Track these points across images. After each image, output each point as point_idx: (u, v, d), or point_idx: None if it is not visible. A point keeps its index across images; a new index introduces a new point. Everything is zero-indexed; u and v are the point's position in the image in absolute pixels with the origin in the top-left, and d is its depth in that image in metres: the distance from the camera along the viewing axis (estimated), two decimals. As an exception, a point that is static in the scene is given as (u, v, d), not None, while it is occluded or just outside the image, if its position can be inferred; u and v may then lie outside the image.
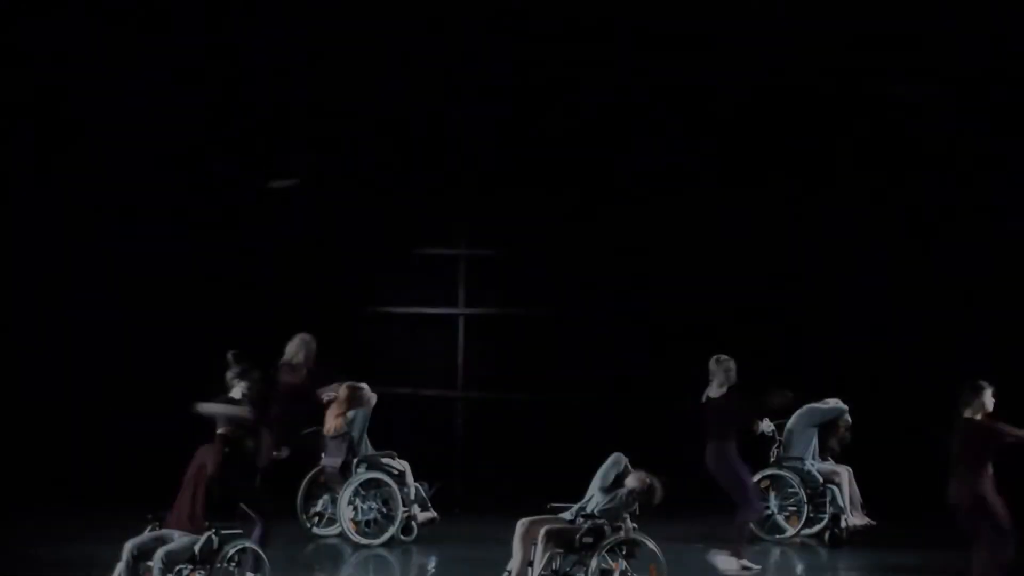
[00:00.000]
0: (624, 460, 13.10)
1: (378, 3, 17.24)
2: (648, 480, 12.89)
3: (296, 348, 16.45)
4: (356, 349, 19.08)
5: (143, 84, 18.11)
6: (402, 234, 19.62)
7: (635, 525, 12.84)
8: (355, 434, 15.87)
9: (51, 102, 18.43)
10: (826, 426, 16.41)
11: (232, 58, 17.92)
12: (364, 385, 16.04)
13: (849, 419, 16.40)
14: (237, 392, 13.10)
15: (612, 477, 13.01)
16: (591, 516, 12.79)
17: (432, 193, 19.38)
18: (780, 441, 16.33)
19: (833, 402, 16.44)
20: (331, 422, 15.91)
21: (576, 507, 13.01)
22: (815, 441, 16.28)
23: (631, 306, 19.76)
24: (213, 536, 12.03)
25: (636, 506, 12.84)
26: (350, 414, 15.89)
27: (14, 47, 17.67)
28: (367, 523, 15.82)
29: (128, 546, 12.02)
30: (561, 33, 17.67)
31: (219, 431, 12.60)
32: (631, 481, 12.91)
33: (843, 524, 15.95)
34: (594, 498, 12.99)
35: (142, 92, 18.20)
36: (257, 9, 17.30)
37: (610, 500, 12.90)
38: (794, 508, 16.12)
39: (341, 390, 15.91)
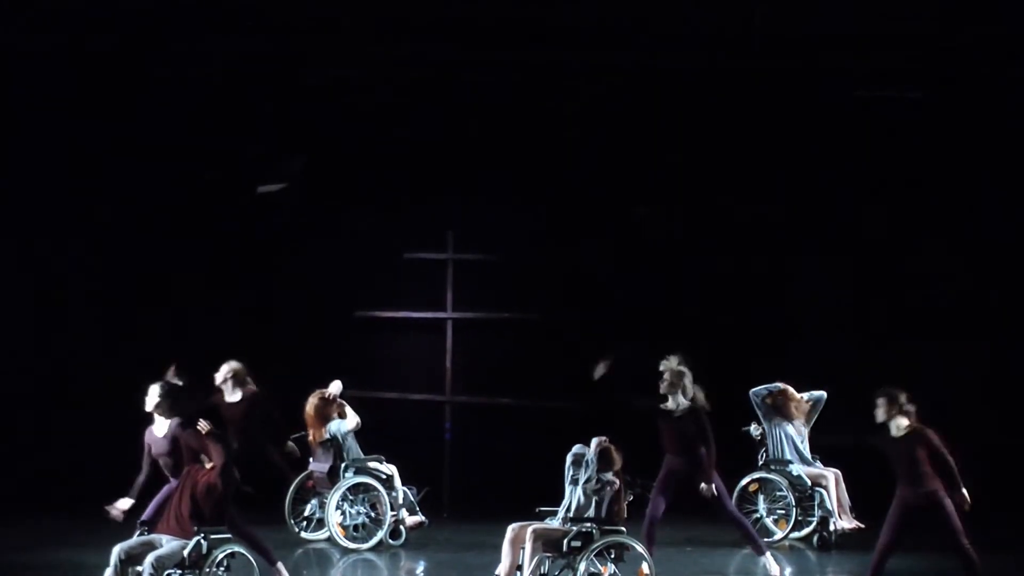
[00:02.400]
0: (582, 448, 13.19)
1: (373, 10, 17.25)
2: (605, 441, 12.97)
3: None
4: (344, 353, 19.07)
5: (134, 85, 18.12)
6: (390, 238, 19.61)
7: (627, 478, 12.91)
8: (342, 439, 15.84)
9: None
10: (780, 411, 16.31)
11: (219, 62, 17.90)
12: (333, 391, 15.95)
13: (795, 394, 16.21)
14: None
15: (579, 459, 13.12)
16: (579, 519, 12.81)
17: (420, 197, 19.37)
18: (766, 445, 16.34)
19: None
20: (312, 434, 15.90)
21: (562, 509, 13.03)
22: (787, 437, 16.22)
23: (619, 310, 19.77)
24: (202, 541, 12.03)
25: (610, 469, 12.87)
26: (332, 426, 15.85)
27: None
28: (355, 527, 15.81)
29: (116, 550, 12.03)
30: (553, 40, 17.68)
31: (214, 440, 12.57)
32: (592, 446, 13.01)
33: (832, 527, 15.95)
34: (576, 491, 13.01)
35: (134, 93, 18.21)
36: (246, 12, 17.29)
37: (586, 470, 12.94)
38: (782, 511, 16.13)
39: (308, 406, 15.83)
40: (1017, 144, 18.82)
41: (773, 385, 16.19)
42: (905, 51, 17.89)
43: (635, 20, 17.44)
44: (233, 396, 15.09)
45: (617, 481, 12.90)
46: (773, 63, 18.01)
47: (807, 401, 16.24)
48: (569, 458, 13.20)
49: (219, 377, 15.17)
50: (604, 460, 12.95)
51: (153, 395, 12.99)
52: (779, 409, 16.18)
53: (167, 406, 12.91)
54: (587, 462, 13.00)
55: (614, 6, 17.35)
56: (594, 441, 13.07)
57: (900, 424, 12.56)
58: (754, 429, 16.25)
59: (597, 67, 18.21)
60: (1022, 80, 18.17)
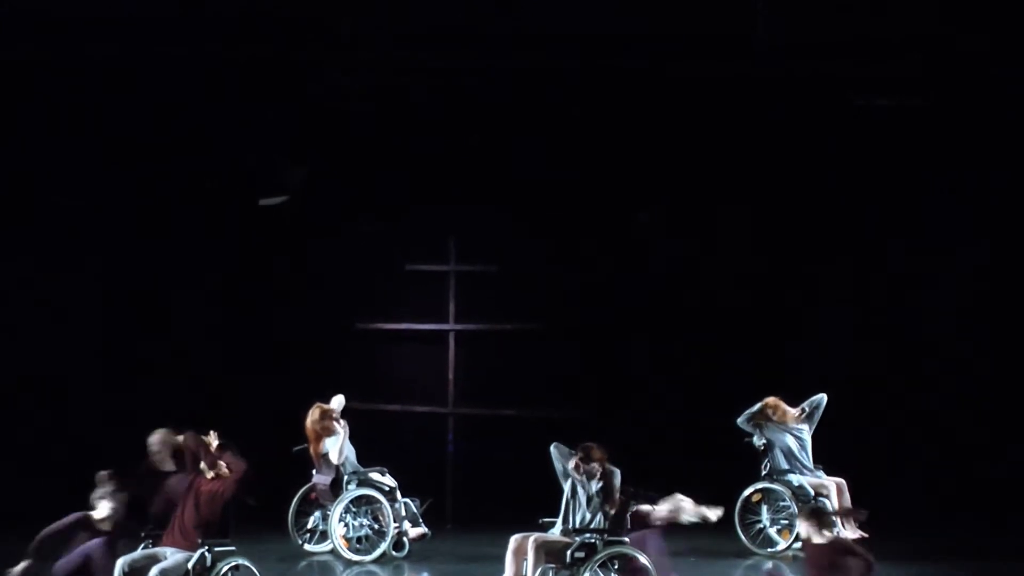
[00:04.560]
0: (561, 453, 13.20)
1: (373, 19, 17.27)
2: (577, 461, 12.99)
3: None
4: (346, 365, 19.08)
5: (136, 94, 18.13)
6: (392, 249, 19.61)
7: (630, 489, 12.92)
8: (334, 458, 15.79)
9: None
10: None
11: (220, 72, 17.91)
12: (335, 406, 15.95)
13: (778, 403, 16.20)
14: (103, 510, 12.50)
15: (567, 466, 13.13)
16: (583, 531, 12.82)
17: (422, 208, 19.38)
18: (769, 455, 16.33)
19: None
20: (313, 447, 15.90)
21: (561, 512, 13.03)
22: (785, 447, 16.20)
23: (621, 322, 19.79)
24: (206, 553, 12.03)
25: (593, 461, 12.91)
26: (327, 442, 15.84)
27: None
28: (358, 539, 15.80)
29: (120, 563, 12.02)
30: (556, 47, 17.70)
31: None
32: (574, 470, 13.03)
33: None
34: (580, 509, 13.00)
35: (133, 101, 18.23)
36: (246, 21, 17.31)
37: (584, 492, 12.95)
38: (786, 521, 16.11)
39: (308, 420, 15.82)
40: (1019, 150, 18.83)
41: (753, 408, 16.18)
42: (906, 58, 17.90)
43: (636, 26, 17.45)
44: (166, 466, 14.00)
45: (598, 466, 12.90)
46: (775, 69, 18.01)
47: (803, 409, 16.22)
48: (552, 449, 13.24)
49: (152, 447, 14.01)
50: (587, 456, 12.99)
51: (103, 507, 12.47)
52: (769, 420, 16.19)
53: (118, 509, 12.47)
54: (577, 487, 13.03)
55: (615, 12, 17.35)
56: (571, 463, 13.10)
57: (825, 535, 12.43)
58: (757, 439, 16.25)
59: (599, 74, 18.21)
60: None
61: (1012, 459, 18.79)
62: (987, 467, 18.81)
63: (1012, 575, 14.96)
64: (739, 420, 16.15)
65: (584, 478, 12.97)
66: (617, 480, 13.00)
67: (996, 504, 18.31)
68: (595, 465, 12.95)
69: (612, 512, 12.89)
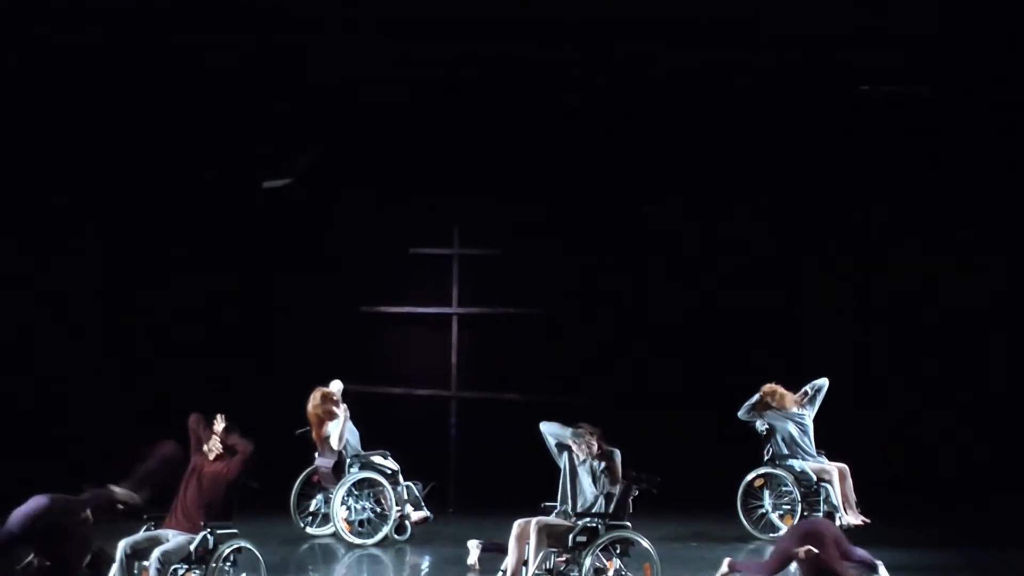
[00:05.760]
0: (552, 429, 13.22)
1: (378, 7, 17.26)
2: (581, 438, 13.02)
3: None
4: (350, 348, 19.08)
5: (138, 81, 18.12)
6: (396, 233, 19.61)
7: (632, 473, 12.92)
8: (335, 444, 15.81)
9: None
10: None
11: (226, 59, 17.90)
12: (334, 390, 15.96)
13: (776, 388, 16.23)
14: None
15: (559, 440, 13.19)
16: (585, 515, 12.82)
17: (426, 193, 19.37)
18: (772, 440, 16.33)
19: None
20: (315, 431, 15.91)
21: (559, 499, 13.04)
22: (786, 432, 16.20)
23: (624, 306, 19.79)
24: (208, 535, 12.04)
25: (598, 458, 12.93)
26: (330, 426, 15.84)
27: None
28: (360, 523, 15.82)
29: (122, 545, 12.02)
30: (559, 35, 17.68)
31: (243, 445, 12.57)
32: (576, 447, 13.06)
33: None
34: (581, 493, 13.01)
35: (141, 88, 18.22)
36: (253, 9, 17.30)
37: (587, 471, 12.95)
38: (788, 507, 16.11)
39: (309, 404, 15.83)
40: (1020, 144, 18.81)
41: (751, 399, 16.16)
42: (911, 46, 17.87)
43: (638, 15, 17.43)
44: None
45: (594, 441, 12.93)
46: (777, 57, 17.99)
47: (806, 392, 16.22)
48: (542, 426, 13.27)
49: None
50: (579, 432, 13.04)
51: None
52: (768, 408, 16.19)
53: None
54: (584, 468, 13.04)
55: (617, 2, 17.33)
56: (576, 444, 13.13)
57: None
58: (760, 424, 16.25)
59: (602, 63, 18.19)
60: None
61: (1010, 448, 18.80)
62: (987, 455, 18.82)
63: (1009, 563, 14.95)
64: (739, 413, 16.16)
65: (582, 448, 12.97)
66: (618, 459, 13.02)
67: (995, 492, 18.31)
68: (592, 440, 12.96)
69: (616, 493, 12.90)
